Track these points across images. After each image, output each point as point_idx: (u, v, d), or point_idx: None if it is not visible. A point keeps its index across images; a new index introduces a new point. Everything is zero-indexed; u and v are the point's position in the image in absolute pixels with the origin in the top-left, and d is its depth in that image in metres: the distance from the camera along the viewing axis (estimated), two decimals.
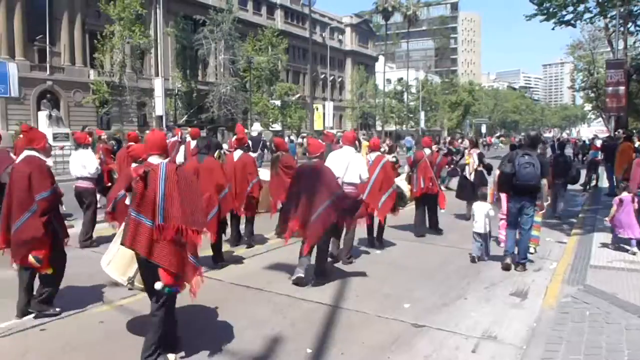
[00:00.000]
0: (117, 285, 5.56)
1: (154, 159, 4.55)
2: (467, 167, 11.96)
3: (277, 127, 46.00)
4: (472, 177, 11.59)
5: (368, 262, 8.02)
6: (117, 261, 5.04)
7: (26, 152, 5.50)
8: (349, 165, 7.63)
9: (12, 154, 8.38)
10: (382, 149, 11.01)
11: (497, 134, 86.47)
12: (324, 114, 53.50)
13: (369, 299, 6.35)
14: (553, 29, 17.92)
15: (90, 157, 9.47)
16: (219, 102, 45.78)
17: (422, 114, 72.60)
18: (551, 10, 19.79)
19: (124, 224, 4.69)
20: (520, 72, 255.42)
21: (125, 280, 5.00)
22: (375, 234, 9.31)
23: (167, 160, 4.56)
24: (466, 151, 13.89)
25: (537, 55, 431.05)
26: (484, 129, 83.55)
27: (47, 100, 38.41)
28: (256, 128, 37.33)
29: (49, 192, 5.36)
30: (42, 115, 27.61)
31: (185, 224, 4.25)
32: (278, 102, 48.64)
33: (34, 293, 5.61)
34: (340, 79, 76.99)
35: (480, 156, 11.87)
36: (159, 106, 37.78)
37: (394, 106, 73.29)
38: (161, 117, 38.12)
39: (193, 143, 10.84)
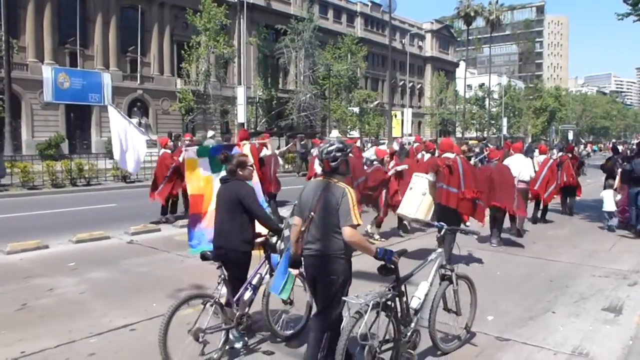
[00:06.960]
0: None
1: (449, 155, 8.09)
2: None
3: (355, 134, 46.03)
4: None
5: None
6: (420, 211, 8.13)
7: None
8: (522, 168, 10.80)
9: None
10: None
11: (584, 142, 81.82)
12: (402, 120, 53.09)
13: None
14: None
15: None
16: (298, 109, 46.51)
17: (505, 120, 70.35)
18: None
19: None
20: (612, 76, 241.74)
21: (423, 219, 8.02)
22: (533, 217, 12.59)
23: (454, 155, 8.04)
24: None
25: (631, 58, 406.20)
26: (570, 136, 79.58)
27: (137, 109, 40.82)
28: (334, 135, 37.48)
29: (363, 178, 9.65)
30: (133, 122, 29.14)
31: (475, 189, 7.87)
32: (356, 109, 48.78)
33: None
34: (419, 86, 76.18)
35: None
36: (241, 114, 38.76)
37: (475, 112, 71.61)
38: (243, 124, 39.12)
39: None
